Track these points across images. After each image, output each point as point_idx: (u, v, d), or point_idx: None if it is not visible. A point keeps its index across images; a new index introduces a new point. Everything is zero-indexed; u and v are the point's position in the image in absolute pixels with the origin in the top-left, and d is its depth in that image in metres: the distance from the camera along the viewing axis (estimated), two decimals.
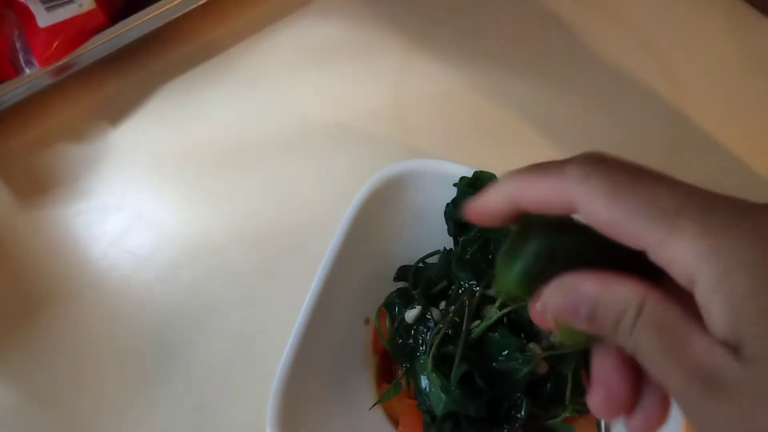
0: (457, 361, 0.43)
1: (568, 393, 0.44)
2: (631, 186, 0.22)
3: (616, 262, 0.23)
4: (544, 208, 0.25)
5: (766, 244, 0.19)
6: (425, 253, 0.52)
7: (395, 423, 0.47)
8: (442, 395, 0.41)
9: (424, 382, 0.44)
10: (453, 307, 0.46)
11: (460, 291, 0.47)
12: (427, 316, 0.46)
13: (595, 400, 0.25)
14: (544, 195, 0.24)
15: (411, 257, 0.52)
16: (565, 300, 0.24)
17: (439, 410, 0.41)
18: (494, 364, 0.43)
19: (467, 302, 0.45)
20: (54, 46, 0.62)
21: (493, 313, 0.44)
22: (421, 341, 0.46)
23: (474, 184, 0.49)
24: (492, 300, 0.45)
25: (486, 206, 0.27)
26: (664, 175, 0.22)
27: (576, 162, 0.23)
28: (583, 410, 0.45)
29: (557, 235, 0.26)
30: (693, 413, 0.20)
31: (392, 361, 0.51)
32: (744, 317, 0.19)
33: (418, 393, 0.44)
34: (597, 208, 0.22)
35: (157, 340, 0.55)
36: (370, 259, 0.51)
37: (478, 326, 0.44)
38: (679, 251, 0.20)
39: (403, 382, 0.48)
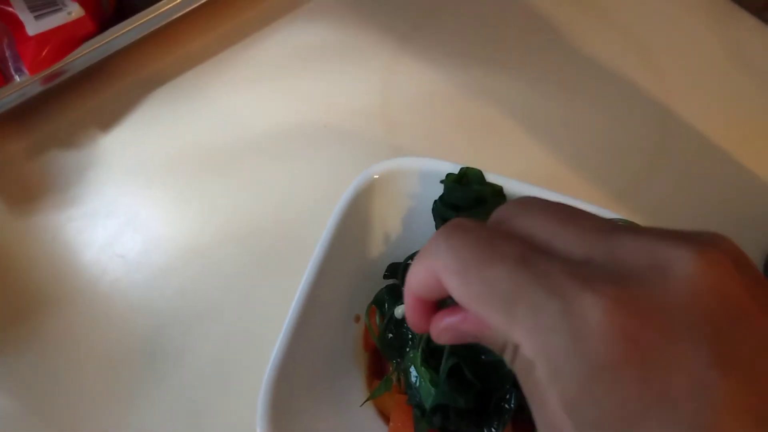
0: (445, 354, 0.43)
1: None
2: (475, 265, 0.21)
3: None
4: (433, 295, 0.25)
5: (585, 342, 0.18)
6: (415, 251, 0.52)
7: (386, 419, 0.48)
8: (432, 388, 0.42)
9: (413, 377, 0.44)
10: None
11: None
12: None
13: None
14: (426, 282, 0.24)
15: (401, 255, 0.52)
16: (452, 338, 0.26)
17: (428, 403, 0.41)
18: (483, 356, 0.44)
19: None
20: (44, 53, 0.62)
21: None
22: (410, 337, 0.46)
23: (461, 180, 0.49)
24: None
25: (414, 319, 0.27)
26: (511, 243, 0.21)
27: (437, 238, 0.23)
28: None
29: None
30: None
31: (383, 359, 0.51)
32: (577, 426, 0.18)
33: (408, 388, 0.45)
34: (451, 288, 0.22)
35: (149, 343, 0.55)
36: (358, 258, 0.52)
37: None
38: (519, 342, 0.20)
39: (394, 378, 0.48)
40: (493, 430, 0.43)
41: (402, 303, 0.47)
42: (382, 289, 0.49)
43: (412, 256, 0.52)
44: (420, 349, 0.43)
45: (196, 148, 0.65)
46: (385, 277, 0.52)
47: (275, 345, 0.44)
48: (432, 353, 0.44)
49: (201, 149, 0.65)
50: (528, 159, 0.63)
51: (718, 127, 0.65)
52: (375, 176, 0.50)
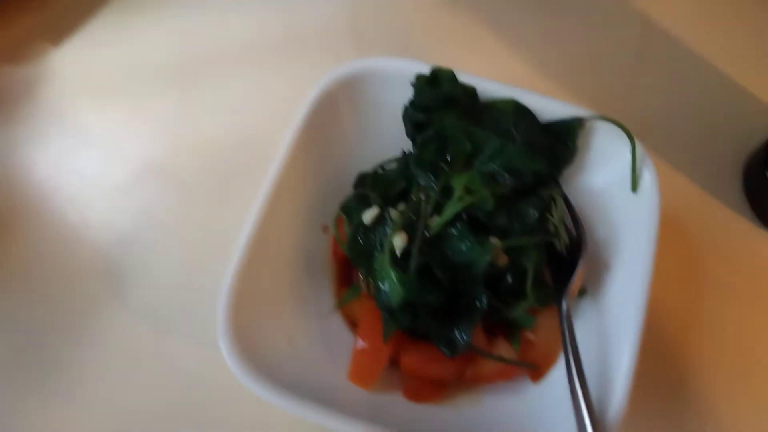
0: (414, 252, 0.41)
1: (528, 284, 0.43)
2: None
3: None
4: None
5: None
6: (386, 159, 0.50)
7: (355, 328, 0.46)
8: (400, 288, 0.40)
9: (382, 281, 0.42)
10: (410, 204, 0.44)
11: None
12: (385, 217, 0.44)
13: None
14: None
15: (370, 163, 0.50)
16: None
17: (396, 302, 0.40)
18: (453, 257, 0.42)
19: (424, 199, 0.44)
20: None
21: (451, 208, 0.43)
22: (379, 242, 0.44)
23: (432, 82, 0.47)
24: (450, 197, 0.44)
25: None
26: None
27: None
28: (545, 302, 0.44)
29: None
30: None
31: (352, 268, 0.50)
32: None
33: (377, 293, 0.43)
34: None
35: (110, 260, 0.53)
36: (327, 166, 0.50)
37: (436, 222, 0.43)
38: None
39: (363, 285, 0.47)
40: (462, 329, 0.42)
41: (371, 207, 0.45)
42: (349, 196, 0.47)
43: (382, 165, 0.50)
44: (388, 251, 0.42)
45: (152, 63, 0.62)
46: (355, 187, 0.50)
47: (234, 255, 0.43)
48: (401, 257, 0.43)
49: (158, 64, 0.62)
50: (502, 64, 0.61)
51: (698, 33, 0.63)
52: (340, 79, 0.48)
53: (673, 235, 0.53)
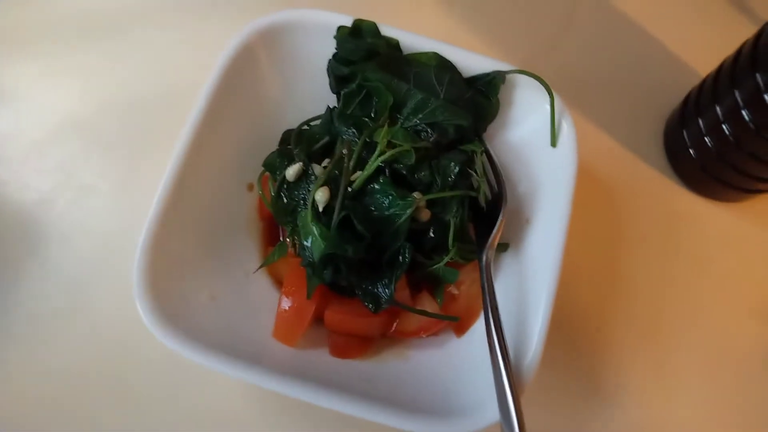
0: (337, 208, 0.41)
1: (450, 238, 0.44)
2: None
3: None
4: None
5: None
6: (311, 117, 0.49)
7: (281, 287, 0.46)
8: (322, 243, 0.40)
9: (306, 237, 0.42)
10: (333, 159, 0.44)
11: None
12: (309, 173, 0.44)
13: None
14: None
15: (295, 120, 0.50)
16: None
17: (317, 256, 0.40)
18: (375, 212, 0.42)
19: (347, 153, 0.43)
20: None
21: (373, 162, 0.43)
22: (302, 199, 0.44)
23: (354, 34, 0.46)
24: (373, 151, 0.43)
25: None
26: None
27: None
28: (468, 257, 0.45)
29: None
30: None
31: (279, 227, 0.49)
32: None
33: (301, 250, 0.43)
34: None
35: (26, 220, 0.51)
36: (251, 123, 0.49)
37: (359, 177, 0.43)
38: None
39: (289, 242, 0.46)
40: (386, 285, 0.42)
41: (295, 163, 0.44)
42: (272, 152, 0.46)
43: (307, 122, 0.49)
44: (311, 206, 0.42)
45: (71, 16, 0.59)
46: (280, 145, 0.49)
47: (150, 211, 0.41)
48: (324, 212, 0.42)
49: (77, 17, 0.59)
50: (426, 18, 0.60)
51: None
52: (259, 30, 0.46)
53: (594, 191, 0.55)
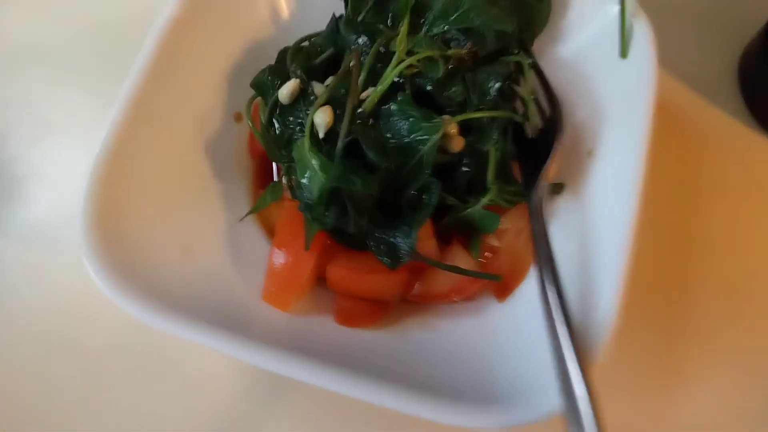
0: (342, 133, 0.31)
1: (491, 173, 0.34)
2: None
3: None
4: None
5: None
6: (311, 32, 0.40)
7: (272, 235, 0.37)
8: (321, 175, 0.31)
9: (303, 173, 0.32)
10: (339, 75, 0.34)
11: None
12: (308, 92, 0.34)
13: None
14: None
15: (292, 37, 0.40)
16: None
17: (316, 193, 0.31)
18: (392, 140, 0.33)
19: (355, 65, 0.33)
20: None
21: (390, 74, 0.33)
22: (300, 124, 0.34)
23: None
24: (388, 64, 0.33)
25: None
26: None
27: None
28: (512, 198, 0.35)
29: None
30: None
31: (273, 165, 0.40)
32: None
33: (298, 189, 0.33)
34: None
35: None
36: (238, 38, 0.39)
37: (372, 94, 0.33)
38: None
39: (284, 183, 0.37)
40: (406, 233, 0.32)
41: (289, 81, 0.35)
42: (263, 69, 0.37)
43: (309, 38, 0.39)
44: (308, 131, 0.32)
45: None
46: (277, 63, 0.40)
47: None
48: (327, 140, 0.33)
49: None
50: None
51: None
52: None
53: (662, 126, 0.44)
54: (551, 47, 0.38)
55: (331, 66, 0.37)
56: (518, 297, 0.35)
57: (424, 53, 0.32)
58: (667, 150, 0.43)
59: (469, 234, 0.36)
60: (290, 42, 0.40)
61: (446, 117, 0.33)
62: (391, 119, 0.33)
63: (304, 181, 0.32)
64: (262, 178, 0.40)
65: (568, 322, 0.29)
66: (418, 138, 0.32)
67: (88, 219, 0.31)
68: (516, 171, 0.37)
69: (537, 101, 0.36)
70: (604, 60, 0.36)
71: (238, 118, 0.40)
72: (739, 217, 0.43)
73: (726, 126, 0.46)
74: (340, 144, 0.31)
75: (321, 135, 0.32)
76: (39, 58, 0.46)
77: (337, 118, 0.33)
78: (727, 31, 0.49)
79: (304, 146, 0.32)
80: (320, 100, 0.33)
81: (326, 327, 0.34)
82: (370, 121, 0.33)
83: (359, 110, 0.33)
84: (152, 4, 0.44)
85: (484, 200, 0.34)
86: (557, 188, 0.36)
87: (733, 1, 0.50)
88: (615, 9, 0.35)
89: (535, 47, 0.38)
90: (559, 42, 0.38)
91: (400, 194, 0.33)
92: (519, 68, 0.36)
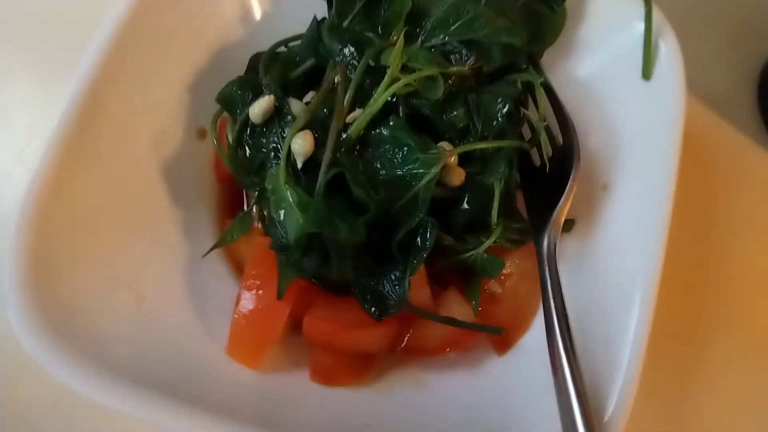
0: (324, 163, 0.27)
1: (494, 211, 0.29)
2: None
3: None
4: None
5: None
6: (286, 37, 0.35)
7: (241, 272, 0.32)
8: (300, 215, 0.26)
9: (277, 207, 0.28)
10: (320, 92, 0.29)
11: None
12: (284, 111, 0.29)
13: None
14: None
15: (266, 42, 0.35)
16: None
17: (294, 237, 0.26)
18: (383, 171, 0.28)
19: (340, 82, 0.28)
20: None
21: (381, 95, 0.28)
22: (274, 148, 0.29)
23: None
24: (381, 79, 0.28)
25: None
26: None
27: None
28: (518, 239, 0.30)
29: None
30: None
31: (243, 192, 0.35)
32: None
33: (271, 226, 0.29)
34: None
35: None
36: (204, 41, 0.34)
37: (359, 118, 0.28)
38: None
39: (254, 214, 0.32)
40: (396, 279, 0.28)
41: (262, 97, 0.30)
42: (232, 81, 0.32)
43: (285, 42, 0.34)
44: (285, 161, 0.27)
45: None
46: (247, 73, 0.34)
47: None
48: (306, 169, 0.28)
49: None
50: None
51: None
52: None
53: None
54: (563, 63, 0.34)
55: (312, 78, 0.32)
56: (520, 350, 0.31)
57: (422, 72, 0.28)
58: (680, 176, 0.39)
59: (467, 278, 0.31)
60: (263, 46, 0.35)
61: (446, 146, 0.28)
62: (381, 147, 0.28)
63: (277, 217, 0.27)
64: (230, 205, 0.35)
65: (577, 384, 0.25)
66: (413, 171, 0.27)
67: (18, 263, 0.26)
68: (521, 201, 0.33)
69: (547, 125, 0.32)
70: (624, 80, 0.32)
71: (201, 134, 0.35)
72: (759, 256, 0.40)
73: (743, 148, 0.43)
74: (321, 179, 0.26)
75: (299, 164, 0.28)
76: None
77: (319, 143, 0.28)
78: (745, 48, 0.47)
79: (279, 177, 0.27)
80: (298, 123, 0.28)
81: (300, 388, 0.30)
82: (357, 147, 0.29)
83: (344, 136, 0.28)
84: None
85: (488, 242, 0.29)
86: (566, 225, 0.31)
87: (751, 19, 0.47)
88: (639, 24, 0.31)
89: (544, 62, 0.34)
90: (572, 57, 0.34)
91: (390, 235, 0.28)
92: (528, 87, 0.31)
